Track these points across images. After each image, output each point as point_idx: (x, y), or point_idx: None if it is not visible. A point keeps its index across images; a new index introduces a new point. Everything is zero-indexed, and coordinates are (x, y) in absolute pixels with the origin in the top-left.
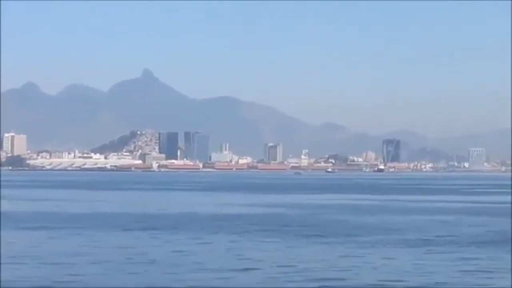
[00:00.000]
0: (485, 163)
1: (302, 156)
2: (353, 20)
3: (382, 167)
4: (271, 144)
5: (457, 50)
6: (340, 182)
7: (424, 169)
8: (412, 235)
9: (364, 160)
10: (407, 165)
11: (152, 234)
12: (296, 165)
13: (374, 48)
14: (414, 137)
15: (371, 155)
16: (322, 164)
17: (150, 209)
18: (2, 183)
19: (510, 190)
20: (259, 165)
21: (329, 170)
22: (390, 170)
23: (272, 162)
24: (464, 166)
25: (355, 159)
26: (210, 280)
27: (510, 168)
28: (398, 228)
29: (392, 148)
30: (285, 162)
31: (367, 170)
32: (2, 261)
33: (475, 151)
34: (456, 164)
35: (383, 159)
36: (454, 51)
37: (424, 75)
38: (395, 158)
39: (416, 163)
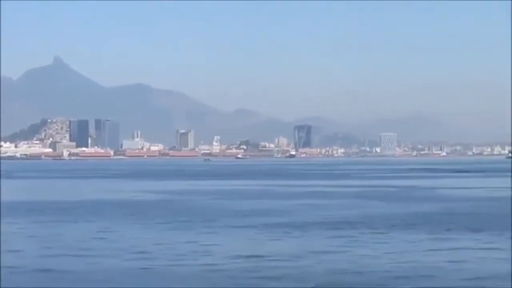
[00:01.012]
0: (397, 148)
1: (214, 143)
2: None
3: (293, 152)
4: (182, 131)
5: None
6: (244, 168)
7: (336, 155)
8: (274, 219)
9: (276, 146)
10: (319, 150)
11: None
12: (208, 151)
13: (289, 34)
14: (326, 123)
15: (283, 141)
16: (234, 150)
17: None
18: None
19: (409, 174)
20: (171, 152)
21: (239, 156)
22: (302, 155)
23: (184, 149)
24: (376, 151)
25: (267, 145)
26: None
27: (421, 152)
28: (266, 213)
29: (304, 133)
30: (197, 149)
31: (279, 156)
32: None
33: (386, 136)
34: (368, 149)
35: (295, 144)
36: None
37: (345, 63)
38: (306, 143)
39: (328, 148)
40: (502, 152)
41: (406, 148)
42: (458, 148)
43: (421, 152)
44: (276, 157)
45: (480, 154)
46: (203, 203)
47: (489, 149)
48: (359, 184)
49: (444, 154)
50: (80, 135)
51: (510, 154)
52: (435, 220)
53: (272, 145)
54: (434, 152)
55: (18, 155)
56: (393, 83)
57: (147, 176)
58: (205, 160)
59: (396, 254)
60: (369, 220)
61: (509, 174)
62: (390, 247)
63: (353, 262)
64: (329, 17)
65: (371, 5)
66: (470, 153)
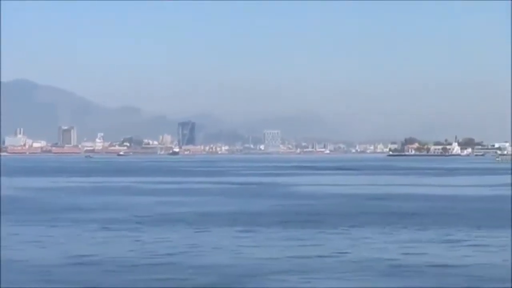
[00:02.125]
0: (281, 145)
1: (97, 140)
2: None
3: (177, 150)
4: (65, 127)
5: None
6: (121, 165)
7: (220, 152)
8: (108, 215)
9: (160, 143)
10: (202, 147)
11: None
12: (91, 148)
13: (177, 35)
14: (212, 120)
15: (167, 138)
16: (117, 147)
17: None
18: None
19: (278, 172)
20: (53, 149)
21: (121, 153)
22: (185, 153)
23: (67, 145)
24: (260, 148)
25: (151, 142)
26: None
27: (305, 150)
28: (105, 208)
29: (188, 131)
30: (80, 146)
31: (162, 153)
32: None
33: (270, 133)
34: (252, 146)
35: (179, 142)
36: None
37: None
38: (190, 141)
39: (212, 145)
40: (385, 150)
41: (290, 146)
42: (341, 146)
43: (305, 150)
44: (159, 154)
45: (363, 152)
46: (56, 200)
47: (372, 147)
48: (226, 181)
49: (327, 151)
50: None
51: (390, 152)
52: (269, 216)
53: (156, 142)
54: (317, 149)
55: None
56: (279, 82)
57: (17, 173)
58: (86, 157)
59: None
60: (197, 216)
61: (373, 171)
62: (199, 241)
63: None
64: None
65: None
66: (354, 150)
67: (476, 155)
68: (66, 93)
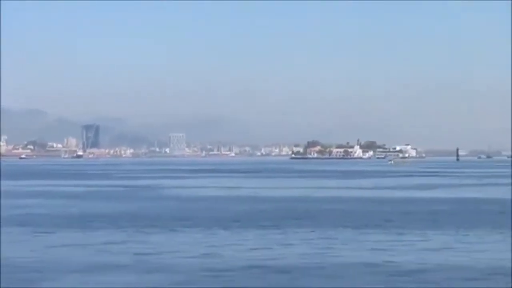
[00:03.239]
0: (186, 148)
1: (1, 143)
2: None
3: (80, 153)
4: None
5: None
6: (16, 168)
7: (124, 155)
8: None
9: (64, 146)
10: (107, 151)
11: None
12: None
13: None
14: (117, 123)
15: (72, 141)
16: (20, 150)
17: None
18: None
19: (165, 174)
20: None
21: (23, 156)
22: (90, 156)
23: None
24: (166, 151)
25: (55, 145)
26: None
27: (210, 153)
28: None
29: (92, 134)
30: None
31: (66, 156)
32: None
33: (175, 136)
34: (157, 149)
35: (83, 145)
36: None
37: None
38: (95, 144)
39: (116, 149)
40: (290, 153)
41: (195, 149)
42: (247, 149)
43: (210, 153)
44: (63, 158)
45: (268, 154)
46: None
47: (277, 150)
48: (104, 184)
49: (232, 154)
50: None
51: (293, 155)
52: (105, 218)
53: (60, 145)
54: (223, 152)
55: None
56: (187, 86)
57: None
58: None
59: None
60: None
61: (260, 175)
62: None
63: None
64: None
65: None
66: (259, 153)
67: (378, 157)
68: None
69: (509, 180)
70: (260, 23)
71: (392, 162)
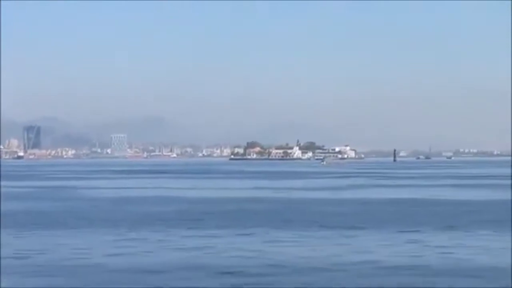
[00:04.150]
0: (128, 149)
1: None
2: None
3: (21, 154)
4: None
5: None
6: None
7: (66, 156)
8: None
9: (6, 148)
10: (48, 152)
11: None
12: None
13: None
14: (59, 124)
15: (14, 142)
16: None
17: None
18: None
19: (90, 176)
20: None
21: None
22: (30, 157)
23: None
24: (107, 152)
25: None
26: None
27: (151, 154)
28: None
29: (33, 135)
30: None
31: (7, 157)
32: None
33: (117, 137)
34: (99, 150)
35: (24, 146)
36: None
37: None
38: (36, 145)
39: (58, 149)
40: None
41: (137, 149)
42: (189, 149)
43: (152, 154)
44: (4, 159)
45: (210, 155)
46: None
47: (218, 151)
48: (16, 185)
49: (174, 155)
50: None
51: (232, 156)
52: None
53: (1, 147)
54: (164, 153)
55: None
56: (123, 84)
57: None
58: None
59: None
60: None
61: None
62: None
63: None
64: None
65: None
66: (200, 154)
67: (317, 158)
68: None
69: (421, 182)
70: (200, 24)
71: (325, 163)
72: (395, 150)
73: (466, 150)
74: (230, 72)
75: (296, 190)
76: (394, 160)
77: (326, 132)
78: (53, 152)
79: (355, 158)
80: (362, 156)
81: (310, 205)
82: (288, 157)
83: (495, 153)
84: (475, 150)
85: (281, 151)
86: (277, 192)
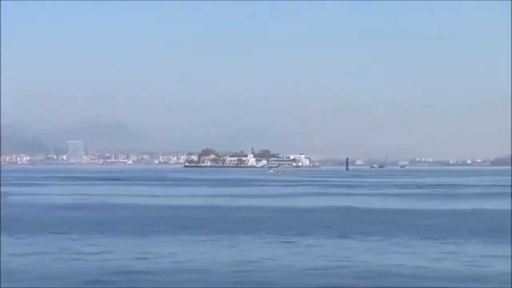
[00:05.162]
0: (84, 156)
1: None
2: None
3: None
4: None
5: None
6: None
7: (20, 162)
8: None
9: None
10: (3, 158)
11: None
12: None
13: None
14: (16, 130)
15: None
16: None
17: None
18: None
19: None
20: None
21: None
22: None
23: None
24: (63, 159)
25: None
26: None
27: (107, 160)
28: None
29: None
30: None
31: None
32: None
33: (73, 143)
34: (55, 156)
35: None
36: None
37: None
38: None
39: (13, 156)
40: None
41: (93, 156)
42: (145, 156)
43: (108, 161)
44: None
45: (166, 162)
46: None
47: (175, 158)
48: None
49: (130, 162)
50: None
51: (186, 163)
52: None
53: None
54: (120, 160)
55: None
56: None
57: None
58: None
59: None
60: None
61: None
62: None
63: None
64: None
65: None
66: (157, 161)
67: (271, 166)
68: None
69: (358, 190)
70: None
71: (272, 171)
72: (347, 159)
73: (423, 159)
74: (184, 77)
75: (227, 197)
76: (347, 169)
77: (283, 141)
78: (7, 158)
79: (309, 166)
80: (317, 164)
81: (235, 212)
82: (242, 165)
83: (450, 162)
84: (431, 160)
85: (235, 158)
86: (206, 200)
